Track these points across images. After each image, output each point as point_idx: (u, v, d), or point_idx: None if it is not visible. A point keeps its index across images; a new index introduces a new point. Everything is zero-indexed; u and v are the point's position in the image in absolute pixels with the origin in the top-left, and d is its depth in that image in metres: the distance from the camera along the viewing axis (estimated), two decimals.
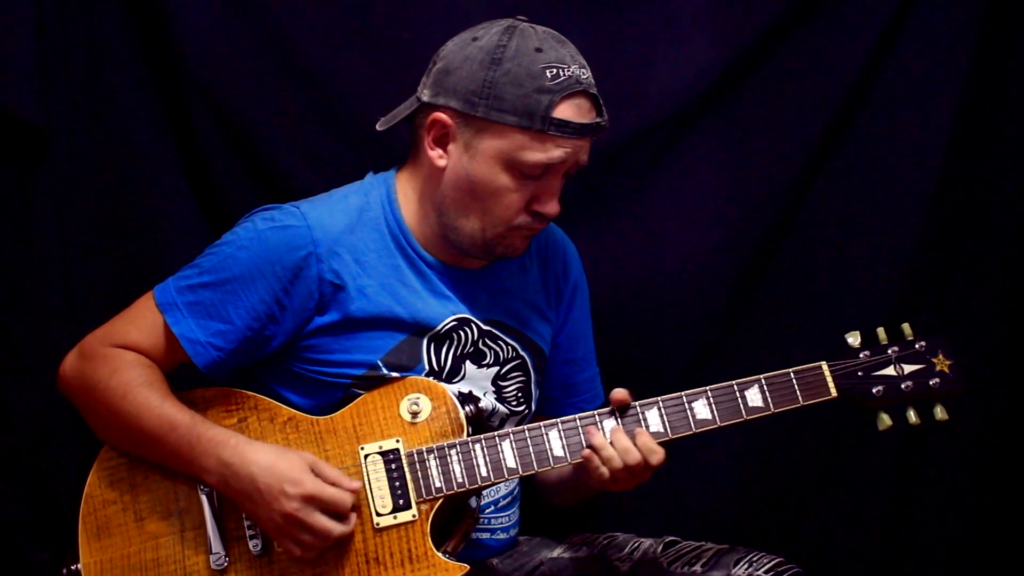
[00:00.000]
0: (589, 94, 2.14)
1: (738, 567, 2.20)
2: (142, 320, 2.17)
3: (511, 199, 2.16)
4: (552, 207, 2.18)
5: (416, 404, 2.16)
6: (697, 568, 2.23)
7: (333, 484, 2.05)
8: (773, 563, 2.19)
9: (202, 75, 2.64)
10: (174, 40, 2.61)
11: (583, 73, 2.14)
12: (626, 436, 2.11)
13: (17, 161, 2.59)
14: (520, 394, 2.33)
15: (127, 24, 2.63)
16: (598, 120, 2.16)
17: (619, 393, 2.15)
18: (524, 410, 2.34)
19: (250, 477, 2.03)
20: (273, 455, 2.06)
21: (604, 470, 2.10)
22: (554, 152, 2.12)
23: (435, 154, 2.17)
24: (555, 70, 2.10)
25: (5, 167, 2.59)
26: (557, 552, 2.39)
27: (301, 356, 2.20)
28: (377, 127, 2.27)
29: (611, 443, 2.10)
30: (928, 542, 2.92)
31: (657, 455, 2.10)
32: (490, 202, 2.16)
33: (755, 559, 2.21)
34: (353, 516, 2.07)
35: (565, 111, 2.11)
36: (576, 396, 2.46)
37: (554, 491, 2.41)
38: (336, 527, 2.04)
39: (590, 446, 2.11)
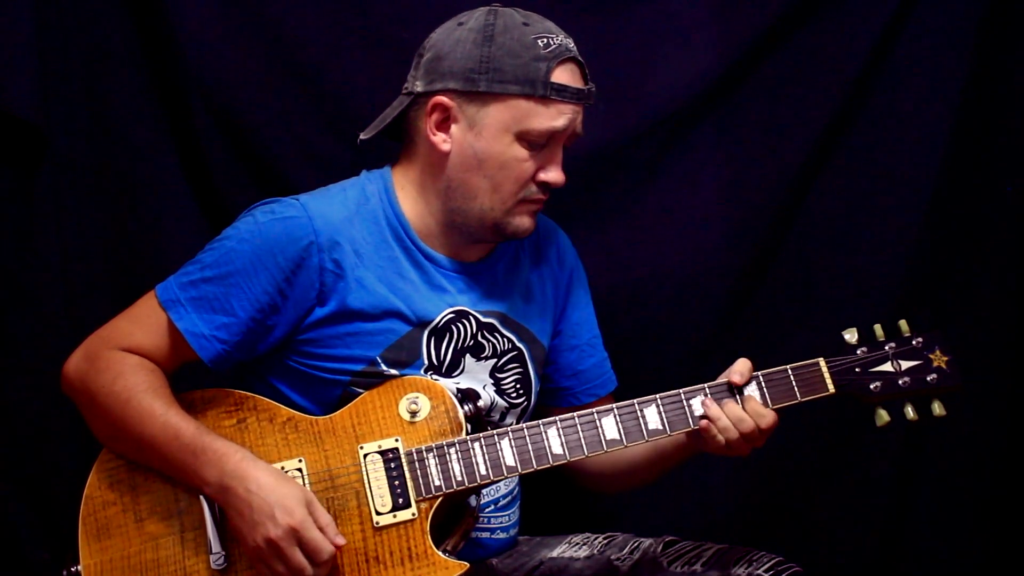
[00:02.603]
0: (578, 61, 2.21)
1: (738, 566, 2.19)
2: (145, 320, 2.17)
3: (519, 170, 2.19)
4: (557, 175, 2.22)
5: (415, 403, 2.16)
6: (697, 567, 2.23)
7: (321, 529, 2.04)
8: (773, 562, 2.19)
9: (202, 75, 2.65)
10: (174, 40, 2.62)
11: (570, 42, 2.21)
12: (737, 405, 2.16)
13: (17, 161, 2.59)
14: (519, 386, 2.34)
15: (127, 24, 2.64)
16: (591, 86, 2.23)
17: (737, 376, 2.18)
18: (523, 402, 2.34)
19: (246, 493, 2.03)
20: (274, 479, 2.05)
21: (720, 439, 2.14)
22: (558, 118, 2.17)
23: (438, 139, 2.19)
24: (546, 39, 2.17)
25: (5, 167, 2.59)
26: (557, 552, 2.38)
27: (301, 351, 2.20)
28: (361, 137, 2.28)
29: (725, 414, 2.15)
30: (928, 541, 2.91)
31: (767, 419, 2.15)
32: (499, 176, 2.19)
33: (755, 558, 2.20)
34: (330, 566, 2.05)
35: (562, 76, 2.17)
36: (588, 383, 2.47)
37: (621, 475, 2.40)
38: (308, 568, 2.02)
39: (706, 417, 2.15)
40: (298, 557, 2.02)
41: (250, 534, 2.02)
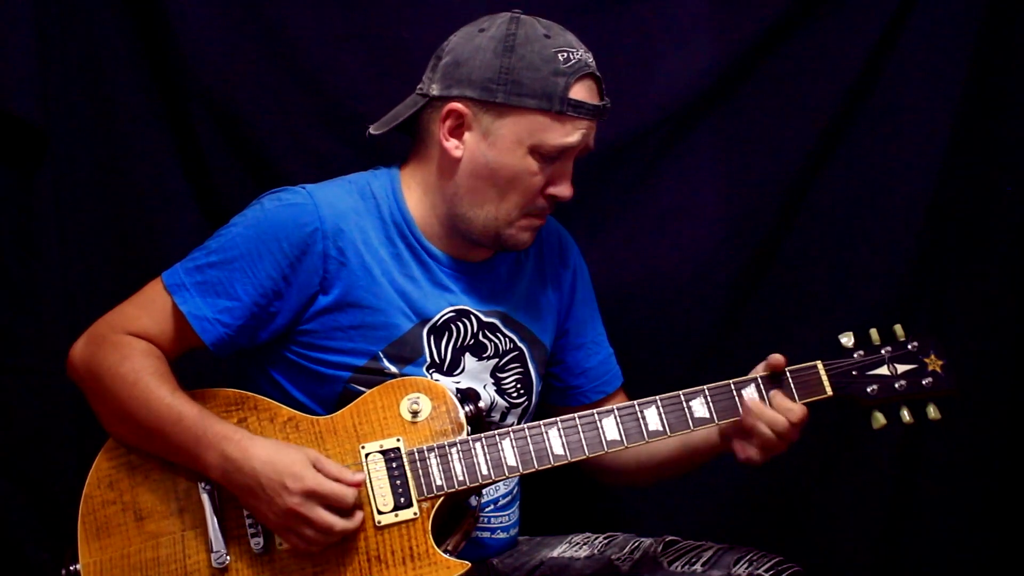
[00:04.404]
0: (596, 76, 2.21)
1: (738, 566, 2.20)
2: (151, 305, 2.18)
3: (530, 183, 2.19)
4: (566, 189, 2.23)
5: (416, 403, 2.16)
6: (697, 567, 2.23)
7: (335, 479, 2.05)
8: (773, 562, 2.20)
9: (202, 75, 2.65)
10: (174, 40, 2.62)
11: (589, 57, 2.20)
12: (762, 403, 2.16)
13: (17, 161, 2.59)
14: (519, 386, 2.34)
15: (127, 24, 2.64)
16: (606, 102, 2.22)
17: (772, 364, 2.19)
18: (524, 402, 2.35)
19: (252, 472, 2.03)
20: (274, 450, 2.06)
21: (764, 430, 2.13)
22: (573, 134, 2.17)
23: (451, 145, 2.20)
24: (566, 53, 2.16)
25: (5, 167, 2.59)
26: (558, 551, 2.39)
27: (303, 342, 2.20)
28: (372, 131, 2.28)
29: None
30: (927, 541, 2.91)
31: (795, 412, 2.15)
32: (508, 187, 2.19)
33: (755, 558, 2.21)
34: (358, 513, 2.07)
35: (579, 92, 2.17)
36: (596, 380, 2.47)
37: (647, 471, 2.40)
38: (338, 522, 2.04)
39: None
40: (323, 515, 2.03)
41: (268, 510, 2.03)
